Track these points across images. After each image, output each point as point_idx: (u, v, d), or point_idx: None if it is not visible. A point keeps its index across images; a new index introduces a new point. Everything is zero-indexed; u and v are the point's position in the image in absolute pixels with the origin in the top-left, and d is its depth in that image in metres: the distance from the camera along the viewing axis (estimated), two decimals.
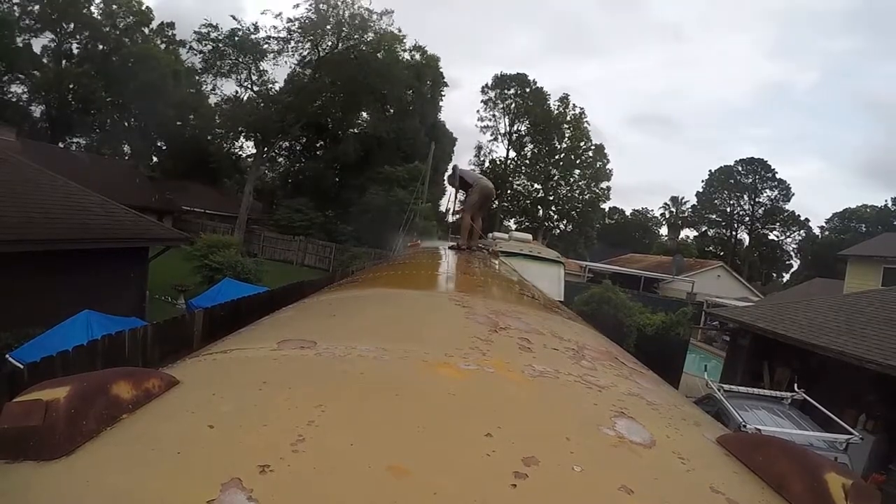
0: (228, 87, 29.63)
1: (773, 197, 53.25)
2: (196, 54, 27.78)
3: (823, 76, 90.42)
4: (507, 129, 45.55)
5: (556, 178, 44.35)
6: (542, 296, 3.46)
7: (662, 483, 0.77)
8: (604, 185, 44.66)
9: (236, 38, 26.86)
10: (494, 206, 41.29)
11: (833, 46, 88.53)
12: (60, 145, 30.91)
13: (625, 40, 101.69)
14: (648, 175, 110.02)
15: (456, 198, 7.03)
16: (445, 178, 33.15)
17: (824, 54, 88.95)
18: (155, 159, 35.76)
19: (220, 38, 26.82)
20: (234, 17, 36.03)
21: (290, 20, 27.37)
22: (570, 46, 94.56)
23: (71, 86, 31.59)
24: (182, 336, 3.36)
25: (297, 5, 27.30)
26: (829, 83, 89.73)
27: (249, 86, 28.39)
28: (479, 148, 46.74)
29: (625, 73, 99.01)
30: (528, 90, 44.75)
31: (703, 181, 56.59)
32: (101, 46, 32.98)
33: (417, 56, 33.88)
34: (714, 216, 56.25)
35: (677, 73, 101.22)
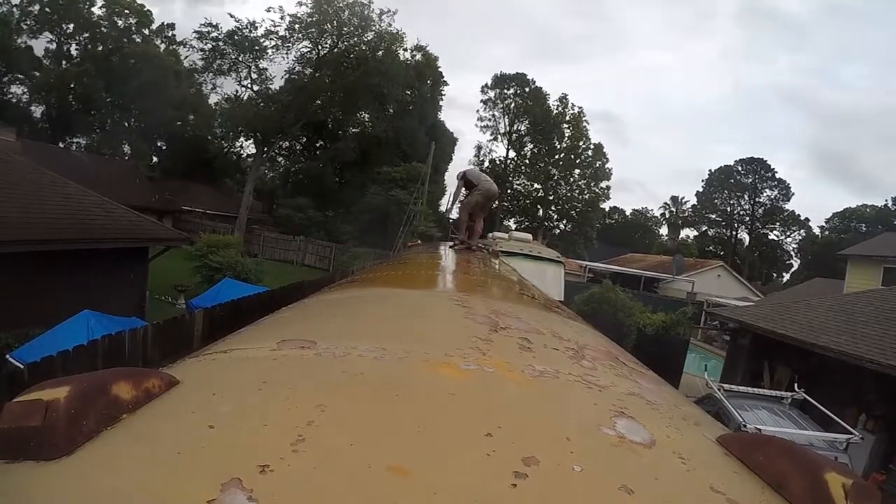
0: (228, 86, 29.70)
1: (772, 197, 53.31)
2: (196, 51, 27.84)
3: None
4: (507, 128, 45.55)
5: (555, 177, 44.31)
6: (542, 295, 3.45)
7: (663, 483, 0.77)
8: (603, 184, 44.68)
9: (236, 38, 26.90)
10: (495, 206, 41.31)
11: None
12: (61, 145, 30.92)
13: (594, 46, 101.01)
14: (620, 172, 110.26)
15: (455, 197, 6.98)
16: (447, 177, 33.19)
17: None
18: (155, 159, 35.78)
19: (219, 37, 26.86)
20: (231, 16, 36.11)
21: (290, 17, 27.42)
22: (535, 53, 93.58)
23: (71, 86, 31.58)
24: (182, 336, 3.37)
25: (300, 3, 27.36)
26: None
27: (249, 85, 28.43)
28: (479, 148, 46.82)
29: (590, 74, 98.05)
30: (527, 90, 44.72)
31: (703, 181, 56.71)
32: (100, 47, 32.99)
33: (418, 56, 33.90)
34: (714, 216, 56.26)
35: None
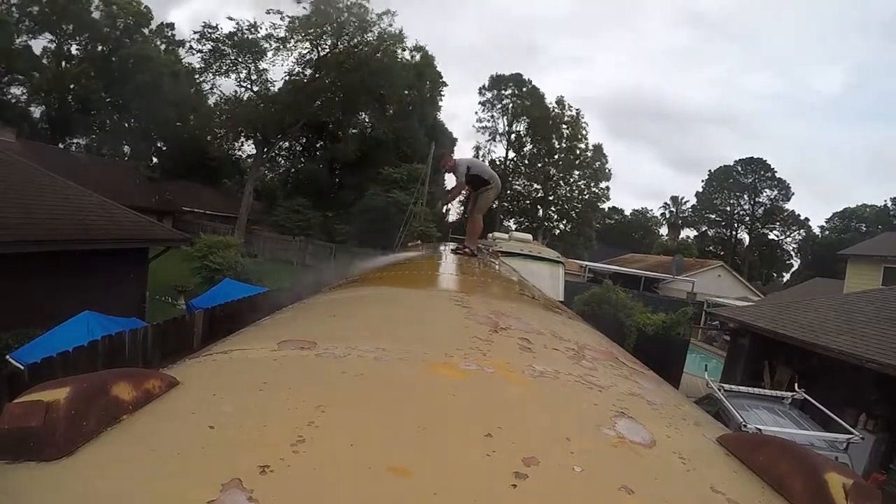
0: (228, 86, 29.70)
1: (772, 196, 53.27)
2: (195, 53, 27.83)
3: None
4: (506, 128, 45.57)
5: (555, 178, 44.35)
6: (542, 296, 3.45)
7: (663, 483, 0.77)
8: (603, 184, 44.75)
9: (235, 38, 26.89)
10: (494, 206, 41.30)
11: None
12: (60, 146, 30.93)
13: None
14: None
15: (455, 195, 6.20)
16: (447, 178, 32.95)
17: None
18: (155, 160, 35.72)
19: (219, 38, 26.85)
20: (230, 18, 36.02)
21: (290, 18, 27.38)
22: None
23: (71, 86, 31.61)
24: (182, 337, 3.37)
25: (301, 2, 27.33)
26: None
27: (249, 85, 28.41)
28: (478, 148, 46.89)
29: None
30: (524, 89, 44.71)
31: (703, 181, 56.72)
32: (100, 47, 33.00)
33: (417, 56, 33.92)
34: (714, 216, 56.21)
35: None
